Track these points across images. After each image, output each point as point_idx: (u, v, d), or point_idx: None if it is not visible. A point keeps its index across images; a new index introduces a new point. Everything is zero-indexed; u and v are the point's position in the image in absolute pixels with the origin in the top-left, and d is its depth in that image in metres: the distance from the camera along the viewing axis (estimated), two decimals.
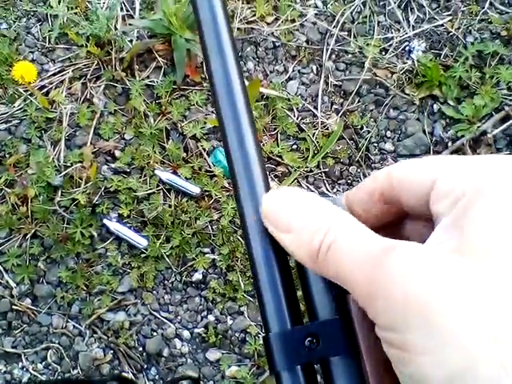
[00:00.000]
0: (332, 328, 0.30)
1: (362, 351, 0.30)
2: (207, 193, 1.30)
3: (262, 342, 1.23)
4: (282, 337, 0.31)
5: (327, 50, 1.44)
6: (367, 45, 1.43)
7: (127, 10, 1.44)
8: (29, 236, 1.27)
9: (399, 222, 0.34)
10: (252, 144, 0.34)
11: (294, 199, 0.31)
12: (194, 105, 1.36)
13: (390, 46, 1.45)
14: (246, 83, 1.27)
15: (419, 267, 0.25)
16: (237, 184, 0.33)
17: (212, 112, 1.36)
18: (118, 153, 1.33)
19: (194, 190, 1.28)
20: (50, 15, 1.42)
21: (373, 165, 1.37)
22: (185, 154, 1.33)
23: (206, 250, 1.28)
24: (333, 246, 0.28)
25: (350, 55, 1.44)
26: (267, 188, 0.33)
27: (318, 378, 0.31)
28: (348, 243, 0.28)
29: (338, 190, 1.35)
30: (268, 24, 1.46)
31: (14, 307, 1.26)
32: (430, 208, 0.29)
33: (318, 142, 1.35)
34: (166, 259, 1.27)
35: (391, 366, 0.27)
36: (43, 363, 1.24)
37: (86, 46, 1.38)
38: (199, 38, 0.36)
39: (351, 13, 1.47)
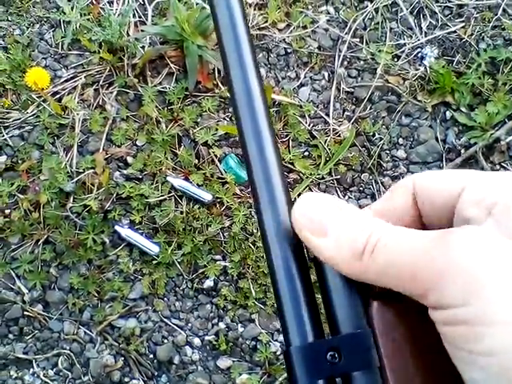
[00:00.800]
0: (354, 342, 0.29)
1: (385, 365, 0.29)
2: (219, 200, 1.29)
3: (274, 350, 1.23)
4: (303, 351, 0.30)
5: (339, 56, 1.43)
6: (379, 51, 1.43)
7: (139, 17, 1.44)
8: (41, 242, 1.27)
9: None
10: (272, 152, 0.33)
11: (326, 203, 0.31)
12: (205, 111, 1.36)
13: (403, 52, 1.44)
14: None
15: (483, 244, 0.25)
16: (257, 193, 0.33)
17: (224, 118, 1.36)
18: (130, 159, 1.33)
19: (206, 196, 1.28)
20: (63, 21, 1.43)
21: (385, 172, 1.36)
22: (196, 160, 1.33)
23: (218, 257, 1.28)
24: (379, 245, 0.28)
25: (362, 62, 1.44)
26: (287, 196, 0.33)
27: None
28: (396, 239, 0.28)
29: (349, 198, 1.34)
30: (280, 30, 1.46)
31: (25, 313, 1.26)
32: (456, 214, 0.30)
33: (329, 149, 1.35)
34: (178, 266, 1.27)
35: (416, 376, 0.26)
36: (54, 369, 1.24)
37: (99, 52, 1.38)
38: (218, 44, 0.35)
39: (363, 19, 1.47)
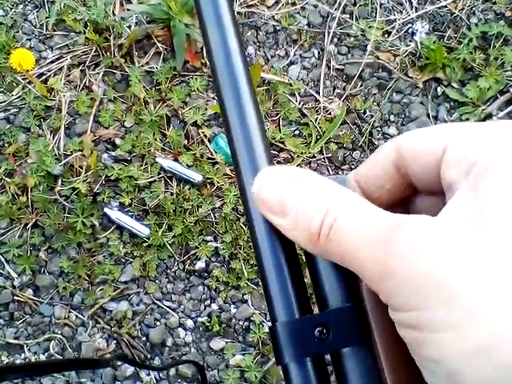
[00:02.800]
0: (343, 317, 0.28)
1: (376, 340, 0.28)
2: (209, 180, 1.28)
3: (267, 330, 1.22)
4: (289, 326, 0.29)
5: (329, 33, 1.41)
6: (369, 27, 1.41)
7: None
8: (29, 226, 1.26)
9: (410, 198, 0.32)
10: (254, 118, 0.31)
11: (288, 178, 0.28)
12: (194, 91, 1.34)
13: (393, 28, 1.42)
14: None
15: (433, 240, 0.23)
16: (238, 161, 0.31)
17: (213, 98, 1.34)
18: (118, 141, 1.31)
19: (196, 177, 1.26)
20: (47, 1, 1.40)
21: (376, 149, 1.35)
22: (186, 141, 1.31)
23: (209, 238, 1.27)
24: (335, 226, 0.26)
25: (352, 38, 1.42)
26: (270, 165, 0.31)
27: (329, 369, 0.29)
28: (352, 222, 0.26)
29: None
30: (268, 7, 1.43)
31: (15, 298, 1.24)
32: (441, 177, 0.28)
33: (320, 128, 1.34)
34: (169, 248, 1.26)
35: (408, 354, 0.25)
36: (46, 354, 1.23)
37: (84, 32, 1.36)
38: (198, 21, 0.34)
39: None
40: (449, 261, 0.23)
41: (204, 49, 1.37)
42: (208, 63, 1.35)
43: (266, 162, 0.30)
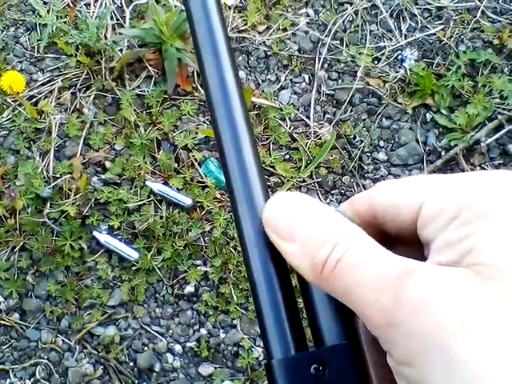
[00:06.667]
0: (339, 354, 0.28)
1: (372, 378, 0.28)
2: (199, 204, 1.28)
3: (256, 355, 1.21)
4: (285, 364, 0.28)
5: (319, 59, 1.43)
6: (359, 54, 1.42)
7: (117, 19, 1.42)
8: (17, 249, 1.25)
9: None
10: (250, 152, 0.31)
11: (299, 204, 0.28)
12: (185, 115, 1.34)
13: (383, 54, 1.44)
14: None
15: (443, 297, 0.23)
16: (234, 194, 0.31)
17: (203, 122, 1.35)
18: (108, 163, 1.31)
19: (186, 201, 1.26)
20: (39, 24, 1.40)
21: (366, 175, 1.35)
22: (176, 164, 1.31)
23: (198, 262, 1.26)
24: (341, 263, 0.25)
25: (342, 64, 1.43)
26: (266, 197, 0.31)
27: None
28: (360, 259, 0.25)
29: (331, 201, 1.33)
30: (260, 33, 1.45)
31: (1, 322, 1.23)
32: (417, 232, 0.27)
33: (310, 152, 1.34)
34: (158, 272, 1.25)
35: None
36: (32, 379, 1.21)
37: (76, 55, 1.36)
38: (193, 44, 0.34)
39: (343, 22, 1.46)
40: (457, 322, 0.22)
41: (196, 73, 1.37)
42: (201, 88, 1.36)
43: (261, 191, 0.31)
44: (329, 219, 0.27)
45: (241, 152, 0.31)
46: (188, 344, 1.24)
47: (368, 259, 0.25)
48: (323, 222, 0.27)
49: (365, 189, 1.34)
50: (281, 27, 1.45)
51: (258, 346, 1.23)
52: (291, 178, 1.32)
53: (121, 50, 1.38)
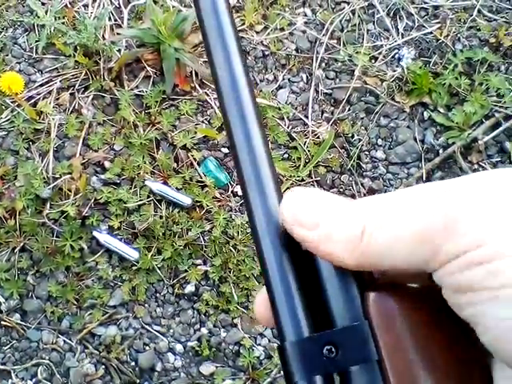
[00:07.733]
0: (351, 335, 0.28)
1: (384, 359, 0.28)
2: (198, 203, 1.28)
3: (257, 354, 1.22)
4: (298, 346, 0.29)
5: (317, 58, 1.43)
6: (357, 53, 1.43)
7: (115, 20, 1.42)
8: (17, 249, 1.25)
9: None
10: (262, 147, 0.32)
11: (317, 194, 0.29)
12: (183, 114, 1.34)
13: (380, 53, 1.44)
14: None
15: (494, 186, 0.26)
16: (246, 187, 0.31)
17: (202, 122, 1.35)
18: (107, 164, 1.31)
19: (185, 200, 1.26)
20: (37, 25, 1.40)
21: (364, 173, 1.36)
22: (175, 164, 1.31)
23: (199, 261, 1.27)
24: (380, 223, 0.26)
25: (339, 63, 1.44)
26: (278, 190, 0.32)
27: None
28: (395, 222, 0.26)
29: None
30: (257, 33, 1.45)
31: (2, 323, 1.23)
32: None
33: (309, 151, 1.35)
34: (158, 271, 1.26)
35: (416, 374, 0.25)
36: (33, 380, 1.22)
37: (74, 56, 1.36)
38: (205, 47, 0.34)
39: (340, 21, 1.47)
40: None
41: (194, 73, 1.38)
42: (198, 87, 1.36)
43: (273, 189, 0.31)
44: (352, 204, 0.28)
45: (252, 146, 0.32)
46: (189, 343, 1.24)
47: (401, 219, 0.26)
48: (348, 206, 0.28)
49: (363, 187, 1.34)
50: (278, 27, 1.45)
51: (259, 344, 1.23)
52: (290, 176, 1.32)
53: (119, 51, 1.38)
